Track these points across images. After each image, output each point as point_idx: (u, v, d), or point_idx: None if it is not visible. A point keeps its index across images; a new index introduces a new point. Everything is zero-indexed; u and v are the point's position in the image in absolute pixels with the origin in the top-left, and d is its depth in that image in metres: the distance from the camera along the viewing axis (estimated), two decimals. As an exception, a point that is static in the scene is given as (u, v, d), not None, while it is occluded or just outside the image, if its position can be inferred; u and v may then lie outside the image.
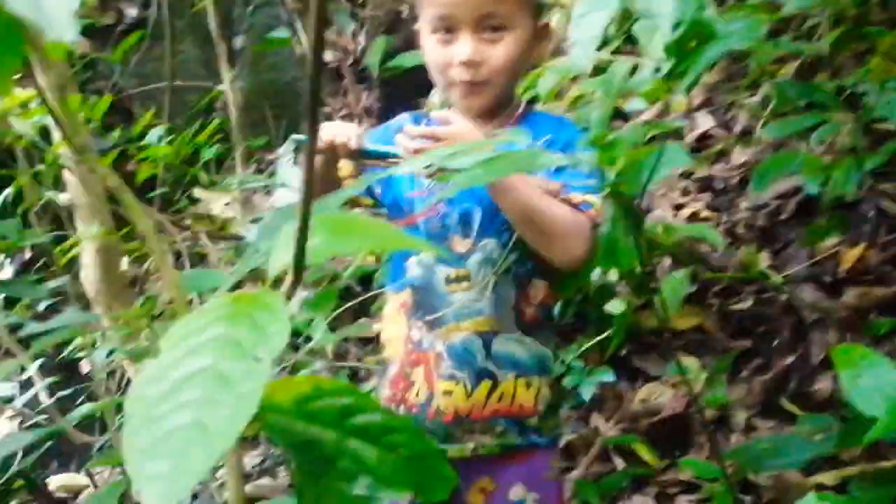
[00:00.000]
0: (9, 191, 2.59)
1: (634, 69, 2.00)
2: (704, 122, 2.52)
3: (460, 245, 1.31)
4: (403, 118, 1.43)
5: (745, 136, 2.40)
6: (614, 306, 1.88)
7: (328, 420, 0.43)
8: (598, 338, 1.88)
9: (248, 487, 2.47)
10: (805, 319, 1.90)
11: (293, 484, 2.41)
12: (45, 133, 2.41)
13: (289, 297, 0.40)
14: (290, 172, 2.17)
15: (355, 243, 0.43)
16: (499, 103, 1.34)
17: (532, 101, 2.40)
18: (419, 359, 1.32)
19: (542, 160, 1.17)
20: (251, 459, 2.51)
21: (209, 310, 0.38)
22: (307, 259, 0.40)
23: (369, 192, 1.40)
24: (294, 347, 2.48)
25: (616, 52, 2.53)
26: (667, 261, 2.10)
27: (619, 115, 2.56)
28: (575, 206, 1.26)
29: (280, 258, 0.41)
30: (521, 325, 1.31)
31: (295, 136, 1.51)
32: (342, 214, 0.43)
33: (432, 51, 1.31)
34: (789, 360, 1.86)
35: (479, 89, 1.31)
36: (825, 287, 1.93)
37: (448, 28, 1.28)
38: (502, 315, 1.30)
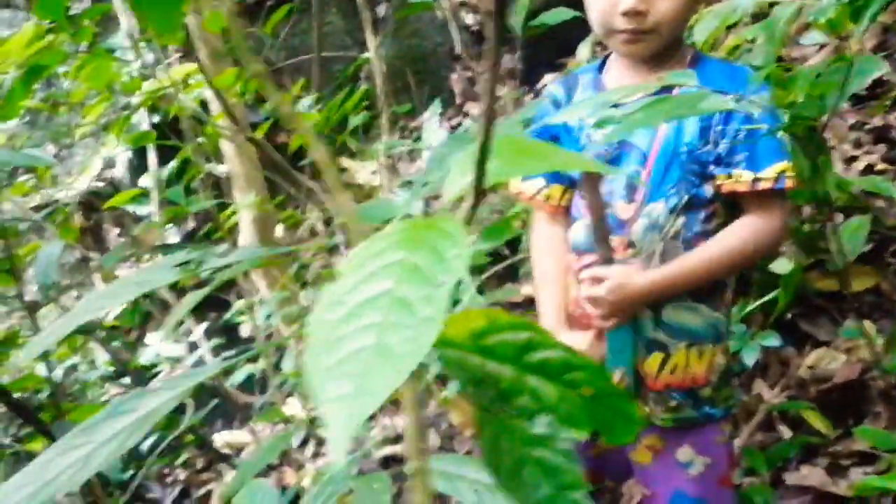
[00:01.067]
0: (173, 163, 2.74)
1: (799, 11, 1.85)
2: (879, 66, 2.31)
3: (624, 211, 1.25)
4: (550, 90, 1.40)
5: (927, 80, 2.18)
6: (780, 266, 1.76)
7: (505, 355, 0.40)
8: (763, 300, 1.76)
9: (399, 447, 2.53)
10: None
11: (443, 446, 2.44)
12: (204, 106, 2.53)
13: (468, 221, 0.38)
14: (436, 135, 2.17)
15: (535, 165, 0.40)
16: (664, 50, 1.27)
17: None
18: (588, 324, 1.29)
19: (707, 102, 1.10)
20: (401, 421, 2.56)
21: (387, 235, 0.36)
22: (487, 181, 0.38)
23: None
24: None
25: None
26: (839, 218, 1.94)
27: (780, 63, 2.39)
28: (764, 192, 1.20)
29: (456, 181, 0.39)
30: (691, 292, 1.24)
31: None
32: (521, 137, 0.40)
33: (594, 1, 1.26)
34: (982, 323, 1.68)
35: (643, 38, 1.24)
36: None
37: None
38: None
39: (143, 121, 2.46)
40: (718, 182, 1.22)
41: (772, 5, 2.05)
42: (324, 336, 0.31)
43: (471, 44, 3.24)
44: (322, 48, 3.05)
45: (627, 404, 0.41)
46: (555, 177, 1.36)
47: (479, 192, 0.38)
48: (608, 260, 1.24)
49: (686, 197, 1.23)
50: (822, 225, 1.92)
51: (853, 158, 2.10)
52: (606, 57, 1.36)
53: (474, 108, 3.20)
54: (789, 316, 1.90)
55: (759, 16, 2.59)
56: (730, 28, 2.53)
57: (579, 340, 1.27)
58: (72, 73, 1.76)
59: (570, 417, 0.39)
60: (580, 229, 1.31)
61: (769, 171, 1.20)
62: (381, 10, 3.40)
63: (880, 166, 2.09)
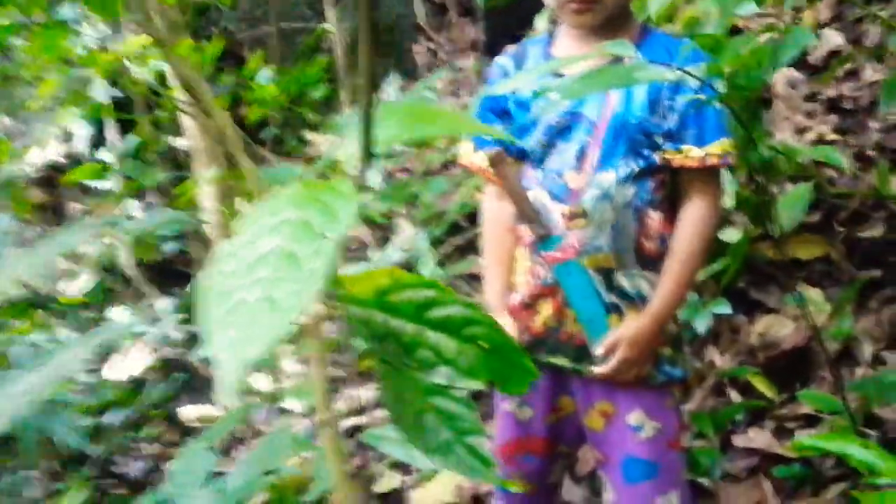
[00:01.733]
0: (132, 137, 2.72)
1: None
2: (833, 38, 2.35)
3: (574, 181, 1.27)
4: (500, 62, 1.40)
5: (878, 52, 2.22)
6: (730, 235, 1.80)
7: (408, 312, 0.42)
8: (714, 268, 1.80)
9: (365, 419, 2.56)
10: (943, 246, 1.76)
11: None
12: (161, 79, 2.50)
13: (357, 180, 0.39)
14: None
15: (424, 129, 0.42)
16: (613, 20, 1.28)
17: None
18: (545, 292, 1.31)
19: (643, 73, 1.12)
20: (367, 393, 2.59)
21: (282, 195, 0.37)
22: (377, 147, 0.39)
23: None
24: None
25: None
26: (788, 187, 1.98)
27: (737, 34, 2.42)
28: (711, 167, 1.25)
29: (349, 146, 0.40)
30: (640, 260, 1.27)
31: None
32: (411, 103, 0.42)
33: None
34: (923, 289, 1.74)
35: (591, 6, 1.25)
36: (966, 211, 1.78)
37: None
38: (622, 249, 1.26)
39: (100, 94, 2.43)
40: (668, 156, 1.25)
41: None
42: (217, 288, 0.33)
43: (433, 15, 3.24)
44: (283, 19, 3.02)
45: (522, 357, 0.43)
46: (504, 149, 1.37)
47: (367, 154, 0.40)
48: (543, 236, 1.27)
49: (636, 167, 1.26)
50: (771, 194, 1.97)
51: (805, 129, 2.14)
52: (556, 30, 1.37)
53: (437, 81, 3.20)
54: (740, 284, 1.95)
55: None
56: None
57: (509, 324, 1.32)
58: (27, 49, 1.74)
59: (469, 369, 0.41)
60: (532, 198, 1.33)
61: (716, 147, 1.23)
62: (344, -20, 3.38)
63: (831, 136, 2.13)
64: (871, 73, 2.17)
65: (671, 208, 1.30)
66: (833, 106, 2.19)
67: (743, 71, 1.40)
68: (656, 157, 1.26)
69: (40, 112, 2.45)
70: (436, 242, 2.49)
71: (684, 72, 1.10)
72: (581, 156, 1.27)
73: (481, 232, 1.44)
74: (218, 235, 2.83)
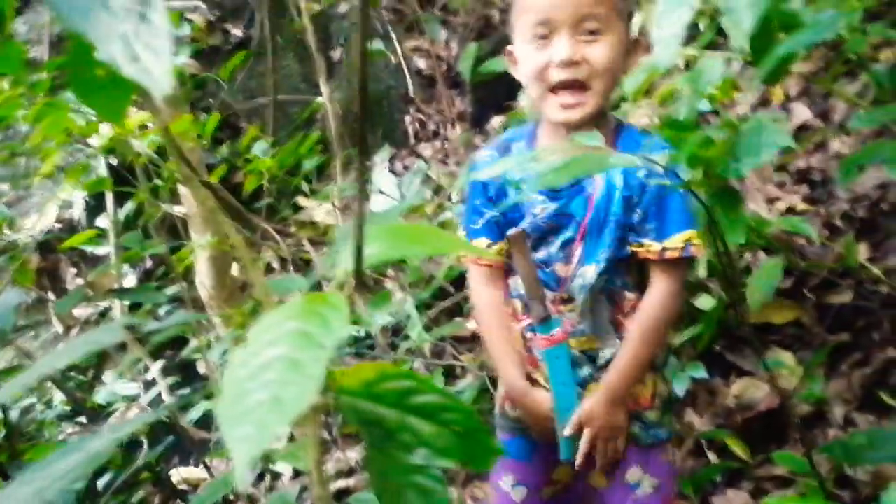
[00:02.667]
0: (130, 205, 2.80)
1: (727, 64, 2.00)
2: (801, 112, 2.47)
3: (563, 271, 1.36)
4: (484, 158, 1.48)
5: (844, 125, 2.34)
6: (704, 302, 1.88)
7: (391, 400, 0.49)
8: (690, 334, 1.88)
9: (353, 481, 2.59)
10: (907, 312, 1.85)
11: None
12: (161, 151, 2.60)
13: (350, 297, 0.47)
14: (386, 180, 2.27)
15: (410, 249, 0.49)
16: (594, 119, 1.35)
17: (621, 99, 2.42)
18: (537, 364, 1.39)
19: (611, 160, 1.21)
20: (354, 454, 2.63)
21: (286, 308, 0.45)
22: (364, 264, 0.47)
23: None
24: (393, 347, 2.59)
25: (708, 46, 2.50)
26: (761, 255, 2.08)
27: (715, 113, 2.54)
28: (669, 260, 1.33)
29: (343, 264, 0.48)
30: (620, 336, 1.35)
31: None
32: (399, 223, 0.49)
33: (529, 57, 1.32)
34: (890, 353, 1.82)
35: (581, 99, 1.31)
36: (928, 278, 1.87)
37: (545, 34, 1.30)
38: (601, 330, 1.35)
39: (100, 164, 2.53)
40: (633, 249, 1.34)
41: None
42: (233, 391, 0.40)
43: (423, 87, 3.37)
44: (278, 92, 3.14)
45: (490, 439, 0.50)
46: (495, 235, 1.43)
47: (359, 273, 0.48)
48: (544, 318, 1.34)
49: (614, 260, 1.34)
50: (736, 269, 2.06)
51: (776, 199, 2.25)
52: (536, 126, 1.44)
53: (426, 149, 3.32)
54: (717, 348, 2.02)
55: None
56: (665, 76, 2.68)
57: (547, 398, 1.38)
58: (29, 119, 1.83)
59: (444, 450, 0.49)
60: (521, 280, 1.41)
61: (676, 241, 1.31)
62: (336, 54, 3.51)
63: (801, 206, 2.23)
64: (839, 145, 2.29)
65: (645, 287, 1.38)
66: (802, 177, 2.30)
67: (719, 161, 1.49)
68: (627, 248, 1.35)
69: (41, 181, 2.54)
70: (423, 306, 2.57)
71: (647, 159, 1.19)
72: (567, 250, 1.35)
73: (479, 318, 1.49)
74: (211, 301, 2.90)
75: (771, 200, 2.24)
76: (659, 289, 1.35)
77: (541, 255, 1.37)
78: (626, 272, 1.36)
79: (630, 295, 1.37)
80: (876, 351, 1.85)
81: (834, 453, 1.60)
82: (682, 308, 1.47)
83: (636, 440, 1.38)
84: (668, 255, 1.32)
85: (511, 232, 1.36)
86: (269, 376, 0.40)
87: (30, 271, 2.11)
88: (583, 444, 1.33)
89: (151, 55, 0.41)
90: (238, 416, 0.39)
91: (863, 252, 2.00)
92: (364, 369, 0.51)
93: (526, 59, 1.33)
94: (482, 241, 1.43)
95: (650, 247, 1.32)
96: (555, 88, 1.32)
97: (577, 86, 1.31)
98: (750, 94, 2.54)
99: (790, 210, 2.20)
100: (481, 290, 1.46)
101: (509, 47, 1.40)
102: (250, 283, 2.76)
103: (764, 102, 2.61)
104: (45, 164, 2.03)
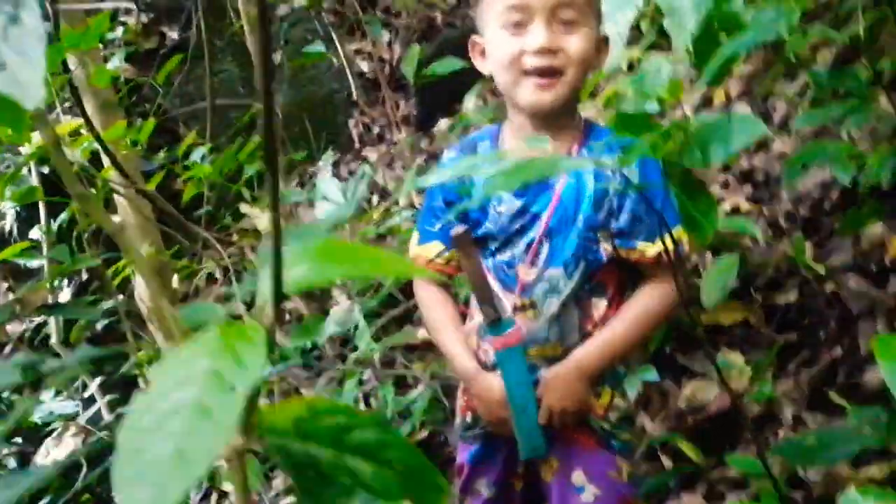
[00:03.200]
0: (63, 215, 2.69)
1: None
2: (744, 112, 2.48)
3: (526, 274, 1.31)
4: (450, 157, 1.44)
5: (785, 125, 2.36)
6: (654, 304, 1.87)
7: (325, 439, 0.45)
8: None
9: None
10: (852, 310, 1.85)
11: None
12: (94, 158, 2.50)
13: (269, 329, 0.42)
14: (330, 185, 2.21)
15: (339, 271, 0.45)
16: (564, 110, 1.32)
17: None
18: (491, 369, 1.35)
19: (563, 164, 1.18)
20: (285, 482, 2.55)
21: (196, 343, 0.40)
22: (288, 289, 0.42)
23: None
24: (342, 357, 2.53)
25: (652, 47, 2.51)
26: (707, 257, 2.07)
27: (662, 114, 2.54)
28: (659, 261, 1.29)
29: (265, 289, 0.43)
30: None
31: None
32: (326, 241, 0.45)
33: (502, 44, 1.28)
34: (836, 352, 1.82)
35: (553, 83, 1.28)
36: (871, 276, 1.88)
37: (519, 22, 1.26)
38: (567, 339, 1.31)
39: (31, 173, 2.42)
40: (623, 254, 1.30)
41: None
42: (131, 444, 0.35)
43: (367, 90, 3.31)
44: (216, 96, 3.06)
45: (436, 476, 0.46)
46: (447, 237, 1.39)
47: (279, 301, 0.43)
48: (494, 320, 1.29)
49: (583, 263, 1.30)
50: (694, 264, 2.05)
51: (721, 200, 2.25)
52: (500, 126, 1.41)
53: (372, 153, 3.27)
54: (667, 350, 2.01)
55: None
56: (608, 78, 2.67)
57: (499, 382, 1.33)
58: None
59: (385, 491, 0.44)
60: None
61: (669, 240, 1.28)
62: (277, 56, 3.44)
63: (746, 206, 2.24)
64: (781, 145, 2.30)
65: (619, 294, 1.35)
66: (746, 177, 2.31)
67: (686, 151, 1.46)
68: (604, 254, 1.31)
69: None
70: (372, 315, 2.51)
71: (597, 163, 1.16)
72: (531, 251, 1.31)
73: (425, 311, 1.46)
74: (151, 315, 2.80)
75: (717, 201, 2.24)
76: (657, 284, 1.31)
77: (505, 256, 1.33)
78: (599, 278, 1.32)
79: (600, 303, 1.33)
80: (823, 350, 1.86)
81: (786, 454, 1.60)
82: (676, 307, 1.41)
83: (589, 431, 1.34)
84: (665, 256, 1.28)
85: (454, 231, 1.31)
86: (173, 426, 0.35)
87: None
88: (540, 415, 1.30)
89: (22, 62, 0.36)
90: (135, 475, 0.34)
91: (807, 251, 2.01)
92: (293, 405, 0.46)
93: (499, 45, 1.29)
94: (435, 246, 1.40)
95: (645, 250, 1.29)
96: (528, 73, 1.28)
97: (551, 72, 1.28)
98: (693, 94, 2.55)
99: (735, 210, 2.20)
100: (425, 291, 1.44)
101: (474, 37, 1.37)
102: (199, 291, 2.67)
103: (706, 103, 2.62)
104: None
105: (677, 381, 2.00)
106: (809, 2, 2.15)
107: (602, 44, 1.33)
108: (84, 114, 1.97)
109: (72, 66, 2.28)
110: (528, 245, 1.31)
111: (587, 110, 2.64)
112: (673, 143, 1.41)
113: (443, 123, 3.32)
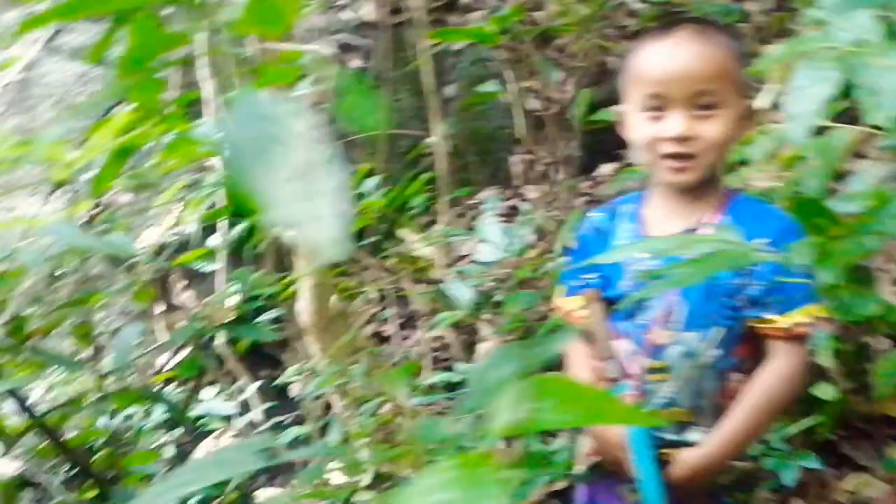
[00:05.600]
0: (242, 226, 2.88)
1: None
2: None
3: (661, 337, 1.31)
4: (593, 219, 1.47)
5: None
6: (823, 391, 1.78)
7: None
8: (805, 423, 1.78)
9: None
10: None
11: None
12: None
13: (513, 464, 0.45)
14: (492, 228, 2.26)
15: (578, 417, 0.47)
16: (705, 182, 1.34)
17: (742, 163, 2.33)
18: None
19: (752, 257, 1.16)
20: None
21: (436, 474, 0.43)
22: (510, 431, 0.45)
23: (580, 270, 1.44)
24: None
25: (836, 115, 2.39)
26: (885, 343, 1.96)
27: (837, 178, 2.42)
28: (795, 336, 1.26)
29: (503, 418, 0.46)
30: (719, 418, 1.29)
31: None
32: (568, 381, 0.47)
33: (641, 127, 1.33)
34: None
35: (689, 164, 1.31)
36: None
37: (659, 106, 1.30)
38: (701, 408, 1.29)
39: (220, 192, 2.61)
40: (751, 324, 1.27)
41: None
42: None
43: (532, 129, 3.34)
44: (391, 126, 3.18)
45: None
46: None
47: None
48: (612, 380, 1.30)
49: (720, 329, 1.29)
50: (867, 349, 1.94)
51: (905, 279, 2.12)
52: (643, 193, 1.43)
53: (532, 192, 3.29)
54: (831, 437, 1.91)
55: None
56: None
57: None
58: (163, 156, 1.90)
59: None
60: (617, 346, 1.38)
61: (801, 316, 1.25)
62: (450, 89, 3.53)
63: (933, 291, 2.09)
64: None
65: (755, 368, 1.32)
66: (935, 259, 2.16)
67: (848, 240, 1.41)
68: (741, 323, 1.29)
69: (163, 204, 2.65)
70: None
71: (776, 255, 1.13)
72: (668, 313, 1.31)
73: (567, 366, 1.48)
74: (310, 328, 2.94)
75: (898, 281, 2.11)
76: (782, 364, 1.28)
77: (640, 318, 1.33)
78: (739, 351, 1.30)
79: (738, 376, 1.31)
80: None
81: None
82: (803, 390, 1.38)
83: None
84: (796, 331, 1.25)
85: (585, 292, 1.36)
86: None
87: (149, 292, 2.20)
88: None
89: (317, 221, 0.40)
90: None
91: None
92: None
93: (637, 127, 1.34)
94: (577, 300, 1.44)
95: (774, 322, 1.26)
96: (664, 157, 1.30)
97: (686, 157, 1.30)
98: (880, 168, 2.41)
99: (921, 294, 2.06)
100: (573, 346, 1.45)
101: (619, 108, 1.40)
102: (357, 310, 2.79)
103: (894, 177, 2.47)
104: (169, 191, 2.11)
105: (838, 471, 1.89)
106: None
107: (749, 112, 1.33)
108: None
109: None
110: (664, 307, 1.30)
111: (764, 171, 2.56)
112: (841, 230, 1.35)
113: (605, 168, 3.30)
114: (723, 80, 1.29)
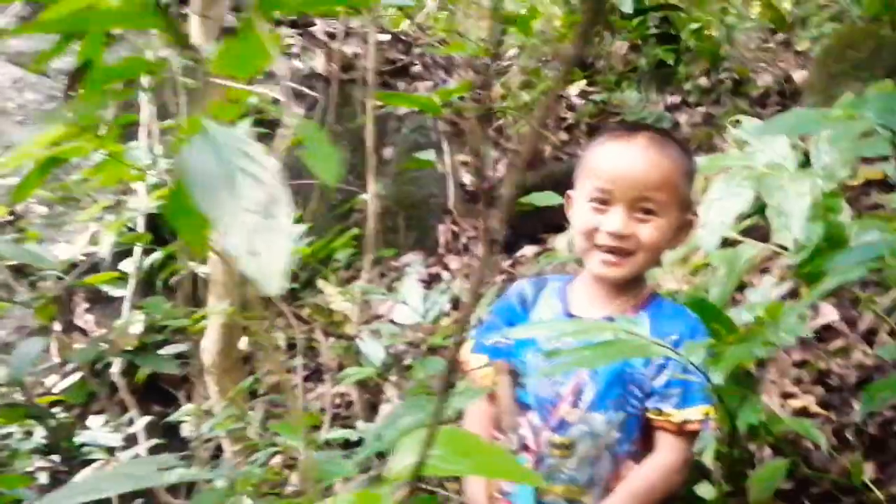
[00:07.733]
0: (157, 255, 2.83)
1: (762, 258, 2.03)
2: (829, 313, 2.48)
3: (568, 414, 1.36)
4: (521, 286, 1.52)
5: (870, 335, 2.35)
6: (704, 490, 1.85)
7: None
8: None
9: None
10: (907, 545, 1.80)
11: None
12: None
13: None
14: (413, 291, 2.29)
15: (470, 466, 0.50)
16: (630, 280, 1.41)
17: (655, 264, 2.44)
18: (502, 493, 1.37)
19: (649, 350, 1.23)
20: None
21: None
22: (416, 472, 0.48)
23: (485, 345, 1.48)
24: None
25: (745, 230, 2.55)
26: (766, 451, 2.05)
27: (741, 288, 2.55)
28: (684, 432, 1.33)
29: (401, 460, 0.48)
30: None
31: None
32: (465, 433, 0.50)
33: (583, 215, 1.40)
34: (882, 586, 1.76)
35: (622, 261, 1.37)
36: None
37: (604, 200, 1.37)
38: (594, 487, 1.33)
39: (139, 218, 2.57)
40: (650, 415, 1.34)
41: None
42: None
43: (463, 201, 3.43)
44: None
45: None
46: (497, 354, 1.46)
47: (417, 477, 0.48)
48: (514, 452, 1.34)
49: (623, 414, 1.34)
50: (751, 455, 2.03)
51: (790, 395, 2.24)
52: (572, 277, 1.50)
53: (454, 262, 3.35)
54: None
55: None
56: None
57: None
58: (91, 172, 1.87)
59: None
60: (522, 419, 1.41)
61: (695, 413, 1.32)
62: (387, 152, 3.60)
63: (815, 409, 2.21)
64: (862, 356, 2.29)
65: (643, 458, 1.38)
66: (820, 378, 2.29)
67: (740, 348, 1.50)
68: (642, 412, 1.35)
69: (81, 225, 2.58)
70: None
71: (677, 353, 1.20)
72: (577, 392, 1.36)
73: (464, 425, 1.50)
74: (212, 368, 2.88)
75: (786, 395, 2.22)
76: (666, 457, 1.34)
77: (548, 393, 1.37)
78: (637, 439, 1.36)
79: (632, 464, 1.36)
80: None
81: None
82: (682, 486, 1.44)
83: None
84: (688, 427, 1.32)
85: (495, 361, 1.40)
86: None
87: (51, 308, 2.13)
88: None
89: (269, 254, 0.43)
90: None
91: (868, 471, 1.97)
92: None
93: (580, 214, 1.40)
94: (483, 358, 1.47)
95: (670, 416, 1.33)
96: (599, 248, 1.38)
97: (620, 252, 1.37)
98: (781, 287, 2.56)
99: (803, 410, 2.18)
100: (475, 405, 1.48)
101: (570, 192, 1.47)
102: (261, 356, 2.75)
103: (793, 294, 2.63)
104: (89, 210, 2.07)
105: (711, 571, 1.95)
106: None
107: (687, 225, 1.42)
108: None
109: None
110: (573, 385, 1.35)
111: (672, 274, 2.68)
112: (736, 337, 1.44)
113: (527, 250, 3.39)
114: (667, 191, 1.37)
